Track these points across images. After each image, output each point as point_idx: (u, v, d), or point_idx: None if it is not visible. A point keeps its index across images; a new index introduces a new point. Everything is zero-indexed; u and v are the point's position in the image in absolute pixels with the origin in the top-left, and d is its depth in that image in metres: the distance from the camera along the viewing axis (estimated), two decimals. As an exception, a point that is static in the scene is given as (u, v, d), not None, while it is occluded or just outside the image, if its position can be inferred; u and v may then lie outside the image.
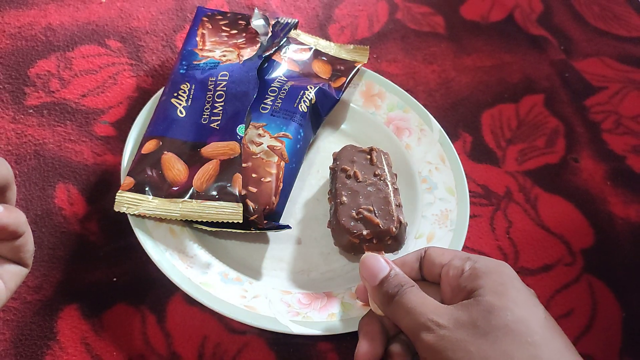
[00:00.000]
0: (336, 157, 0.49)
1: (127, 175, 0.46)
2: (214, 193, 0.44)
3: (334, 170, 0.49)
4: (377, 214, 0.43)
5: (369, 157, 0.48)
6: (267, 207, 0.45)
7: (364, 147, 0.49)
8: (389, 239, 0.43)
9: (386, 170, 0.47)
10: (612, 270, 0.53)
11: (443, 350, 0.31)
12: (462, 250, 0.48)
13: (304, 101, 0.52)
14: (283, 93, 0.52)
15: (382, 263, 0.38)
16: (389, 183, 0.46)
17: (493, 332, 0.31)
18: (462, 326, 0.32)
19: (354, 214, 0.43)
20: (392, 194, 0.45)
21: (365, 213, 0.43)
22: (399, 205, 0.45)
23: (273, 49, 0.54)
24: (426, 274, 0.39)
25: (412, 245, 0.48)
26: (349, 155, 0.48)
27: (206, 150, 0.47)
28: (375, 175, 0.46)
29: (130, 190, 0.45)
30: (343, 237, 0.43)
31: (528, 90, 0.66)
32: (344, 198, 0.45)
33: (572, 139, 0.62)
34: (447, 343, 0.32)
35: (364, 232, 0.42)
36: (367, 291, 0.39)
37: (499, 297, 0.32)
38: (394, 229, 0.42)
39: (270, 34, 0.57)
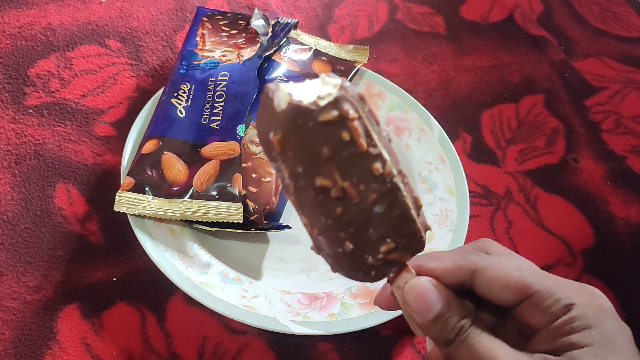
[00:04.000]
0: (283, 148, 0.25)
1: (127, 175, 0.46)
2: (214, 193, 0.44)
3: (291, 178, 0.26)
4: (401, 245, 0.28)
5: (346, 135, 0.25)
6: (267, 207, 0.45)
7: (323, 107, 0.25)
8: None
9: (384, 151, 0.27)
10: (612, 271, 0.52)
11: None
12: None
13: (304, 101, 0.52)
14: (283, 93, 0.52)
15: (434, 295, 0.29)
16: (397, 181, 0.27)
17: None
18: None
19: (371, 260, 0.28)
20: (409, 201, 0.28)
21: (389, 256, 0.28)
22: (419, 208, 0.29)
23: (273, 49, 0.54)
24: (481, 292, 0.30)
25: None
26: (310, 146, 0.25)
27: (206, 150, 0.47)
28: (374, 176, 0.26)
29: (130, 190, 0.45)
30: (353, 279, 0.30)
31: (528, 91, 0.66)
32: (349, 244, 0.27)
33: (572, 139, 0.62)
34: None
35: (391, 275, 0.29)
36: (392, 303, 0.31)
37: None
38: (423, 248, 0.30)
39: (270, 34, 0.57)
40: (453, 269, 0.29)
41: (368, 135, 0.26)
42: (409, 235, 0.28)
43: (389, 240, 0.28)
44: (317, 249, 0.29)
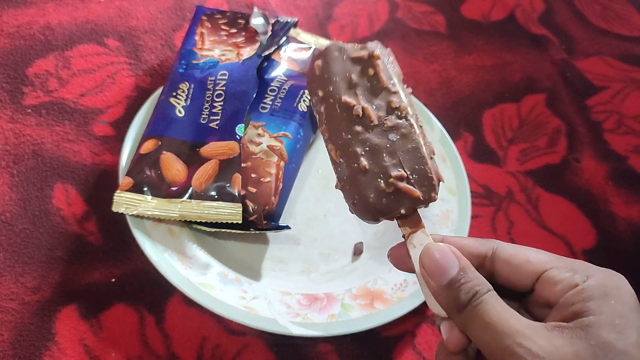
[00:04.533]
0: (322, 71, 0.33)
1: (126, 175, 0.45)
2: (213, 193, 0.44)
3: (324, 101, 0.32)
4: (412, 180, 0.31)
5: (371, 70, 0.32)
6: (267, 207, 0.45)
7: (356, 48, 0.33)
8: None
9: (402, 92, 0.32)
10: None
11: None
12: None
13: (304, 100, 0.51)
14: (283, 92, 0.52)
15: (451, 258, 0.29)
16: (412, 120, 0.32)
17: None
18: None
19: (383, 185, 0.30)
20: (422, 142, 0.31)
21: (400, 184, 0.30)
22: (432, 154, 0.32)
23: (272, 48, 0.54)
24: (499, 277, 0.31)
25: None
26: (341, 71, 0.32)
27: (205, 150, 0.46)
28: (391, 108, 0.31)
29: (128, 190, 0.44)
30: (367, 212, 0.32)
31: (529, 90, 0.66)
32: (364, 161, 0.31)
33: (573, 138, 0.62)
34: None
35: (402, 211, 0.31)
36: (405, 261, 0.32)
37: (619, 335, 0.25)
38: (435, 196, 0.31)
39: (269, 33, 0.56)
40: (474, 243, 0.31)
41: (389, 77, 0.32)
42: (420, 173, 0.31)
43: (400, 169, 0.31)
44: (339, 180, 0.32)
